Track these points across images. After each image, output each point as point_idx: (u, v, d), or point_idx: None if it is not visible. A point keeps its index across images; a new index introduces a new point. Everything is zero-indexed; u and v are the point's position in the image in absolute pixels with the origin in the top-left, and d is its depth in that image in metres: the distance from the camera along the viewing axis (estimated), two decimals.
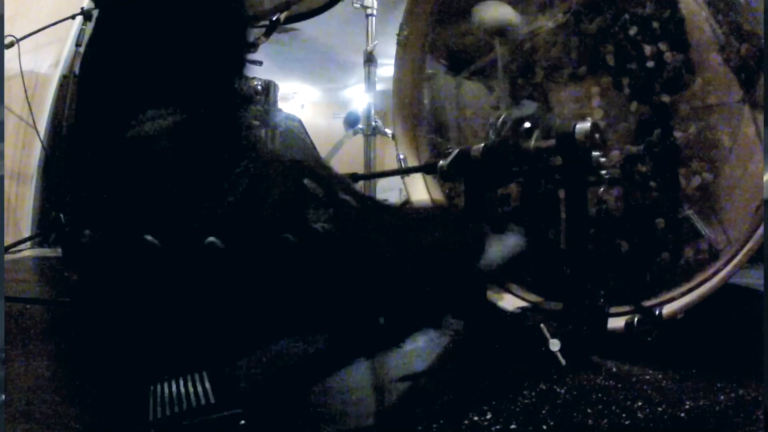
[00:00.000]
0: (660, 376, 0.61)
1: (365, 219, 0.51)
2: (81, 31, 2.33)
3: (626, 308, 0.76)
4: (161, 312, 0.47)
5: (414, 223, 0.56)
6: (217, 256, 0.44)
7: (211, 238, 0.43)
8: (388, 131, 2.50)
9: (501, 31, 0.93)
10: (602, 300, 0.73)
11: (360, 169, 3.14)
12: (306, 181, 0.49)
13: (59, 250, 1.90)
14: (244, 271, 0.45)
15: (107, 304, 0.49)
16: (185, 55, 0.47)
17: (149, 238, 0.43)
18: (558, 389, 0.57)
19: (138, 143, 0.44)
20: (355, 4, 2.40)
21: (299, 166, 0.51)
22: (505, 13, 0.92)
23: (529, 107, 0.82)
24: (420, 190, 1.20)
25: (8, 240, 1.92)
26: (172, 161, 0.44)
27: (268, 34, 1.29)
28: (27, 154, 2.26)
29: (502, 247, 0.64)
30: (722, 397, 0.55)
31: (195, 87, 0.47)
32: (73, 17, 2.09)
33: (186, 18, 0.47)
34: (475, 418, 0.49)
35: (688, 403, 0.53)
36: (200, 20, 0.48)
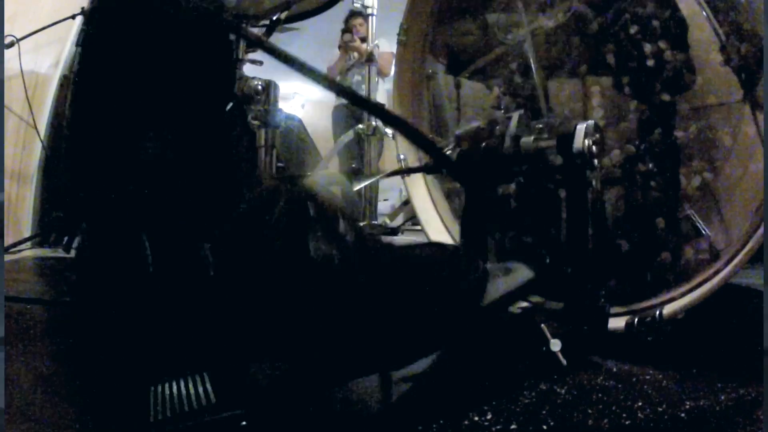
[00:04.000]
0: (660, 376, 0.61)
1: (361, 257, 0.51)
2: (81, 31, 2.33)
3: (626, 308, 0.77)
4: (156, 314, 0.47)
5: (410, 266, 0.56)
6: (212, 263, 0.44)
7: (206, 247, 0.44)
8: (389, 131, 2.50)
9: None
10: (603, 300, 0.73)
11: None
12: (308, 204, 0.49)
13: (59, 250, 1.90)
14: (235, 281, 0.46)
15: (103, 302, 0.49)
16: (179, 76, 0.46)
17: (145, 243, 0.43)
18: (558, 389, 0.57)
19: (140, 166, 0.44)
20: (355, 4, 2.41)
21: (305, 193, 0.51)
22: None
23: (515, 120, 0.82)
24: (420, 190, 1.20)
25: (8, 240, 1.92)
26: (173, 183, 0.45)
27: (268, 34, 1.29)
28: (27, 154, 2.26)
29: (502, 285, 0.64)
30: (722, 397, 0.55)
31: (188, 111, 0.47)
32: (73, 17, 2.09)
33: (174, 38, 0.47)
34: (476, 418, 0.49)
35: (688, 403, 0.53)
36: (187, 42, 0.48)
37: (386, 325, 0.51)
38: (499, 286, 0.63)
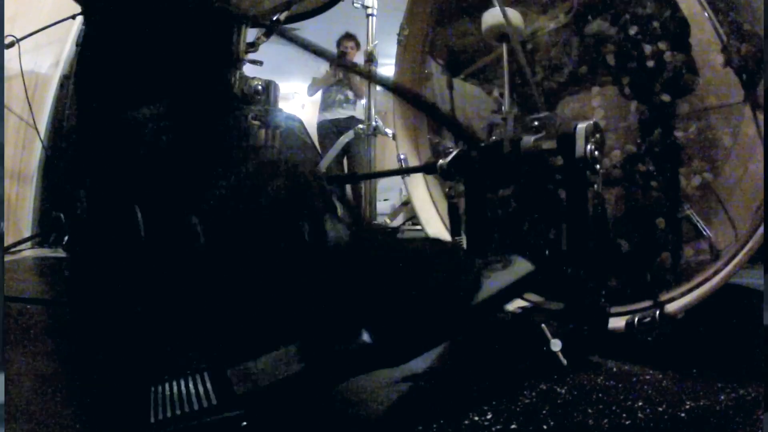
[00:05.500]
0: (660, 376, 0.61)
1: (356, 240, 0.51)
2: (81, 31, 2.33)
3: (626, 308, 0.77)
4: (151, 299, 0.46)
5: (401, 258, 0.56)
6: (198, 239, 0.44)
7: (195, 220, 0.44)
8: (389, 131, 2.50)
9: (506, 35, 0.93)
10: (603, 300, 0.73)
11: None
12: (309, 183, 0.49)
13: (59, 249, 1.90)
14: (227, 260, 0.45)
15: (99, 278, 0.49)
16: (179, 49, 0.46)
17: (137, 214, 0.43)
18: (558, 389, 0.57)
19: (136, 130, 0.44)
20: (355, 4, 2.41)
21: (302, 168, 0.51)
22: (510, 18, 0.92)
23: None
24: (420, 190, 1.20)
25: (8, 240, 1.92)
26: (169, 151, 0.45)
27: (268, 34, 1.29)
28: (27, 154, 2.26)
29: (499, 281, 0.63)
30: (722, 397, 0.55)
31: (192, 82, 0.47)
32: (73, 17, 2.09)
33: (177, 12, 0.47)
34: (476, 418, 0.49)
35: (688, 403, 0.53)
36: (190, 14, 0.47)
37: (376, 318, 0.51)
38: (495, 282, 0.63)
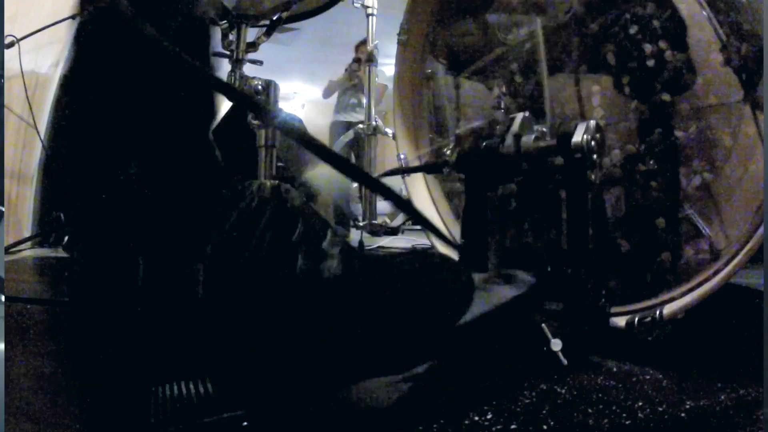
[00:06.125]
0: (660, 376, 0.61)
1: (349, 275, 0.51)
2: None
3: (626, 308, 0.77)
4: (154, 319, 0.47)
5: (392, 280, 0.57)
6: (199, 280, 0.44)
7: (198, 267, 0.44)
8: (389, 131, 2.50)
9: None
10: (603, 300, 0.73)
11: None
12: (299, 227, 0.49)
13: (59, 249, 1.90)
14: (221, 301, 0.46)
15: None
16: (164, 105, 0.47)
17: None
18: (558, 389, 0.57)
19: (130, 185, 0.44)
20: (355, 4, 2.41)
21: (295, 211, 0.51)
22: None
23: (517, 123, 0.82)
24: (421, 190, 1.20)
25: (8, 240, 1.92)
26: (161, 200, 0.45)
27: (268, 34, 1.29)
28: (27, 154, 2.26)
29: (490, 301, 0.64)
30: (722, 397, 0.55)
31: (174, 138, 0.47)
32: (73, 17, 2.09)
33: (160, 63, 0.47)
34: (476, 418, 0.49)
35: (688, 403, 0.53)
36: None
37: (366, 337, 0.51)
38: (496, 295, 0.63)
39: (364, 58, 3.51)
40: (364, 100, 3.57)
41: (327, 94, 4.04)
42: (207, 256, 0.45)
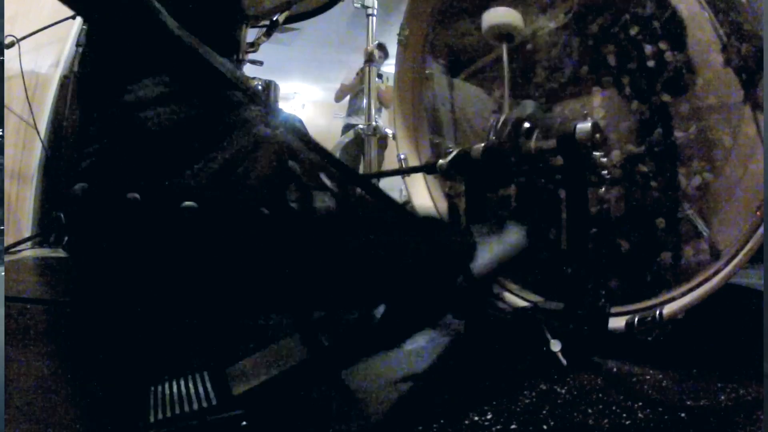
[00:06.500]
0: (660, 376, 0.61)
1: (345, 209, 0.50)
2: (81, 31, 2.33)
3: (626, 308, 0.77)
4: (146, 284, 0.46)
5: (401, 219, 0.55)
6: (192, 218, 0.43)
7: (188, 203, 0.43)
8: (389, 131, 2.50)
9: (508, 35, 0.94)
10: (603, 300, 0.73)
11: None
12: (291, 163, 0.49)
13: (59, 249, 1.90)
14: (217, 240, 0.45)
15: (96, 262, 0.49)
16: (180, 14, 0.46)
17: (134, 195, 0.43)
18: (558, 389, 0.57)
19: (128, 108, 0.44)
20: (355, 4, 2.41)
21: (287, 147, 0.50)
22: (512, 19, 0.92)
23: (528, 107, 0.82)
24: (420, 190, 1.20)
25: (8, 240, 1.92)
26: (159, 127, 0.44)
27: (268, 34, 1.29)
28: (27, 154, 2.26)
29: (500, 246, 0.64)
30: (722, 397, 0.55)
31: (187, 57, 0.46)
32: (73, 17, 2.09)
33: None
34: (476, 418, 0.49)
35: (688, 403, 0.53)
36: None
37: (371, 289, 0.51)
38: (488, 254, 0.63)
39: (378, 62, 3.52)
40: (377, 104, 3.58)
41: (339, 97, 4.05)
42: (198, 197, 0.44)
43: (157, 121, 0.44)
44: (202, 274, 0.46)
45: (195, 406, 0.45)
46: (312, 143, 0.50)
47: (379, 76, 3.37)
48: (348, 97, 3.94)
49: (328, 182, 0.50)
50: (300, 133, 0.51)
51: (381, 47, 3.50)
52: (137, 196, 0.43)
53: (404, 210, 0.58)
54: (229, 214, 0.45)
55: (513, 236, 0.66)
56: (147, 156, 0.45)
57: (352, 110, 3.85)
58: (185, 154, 0.45)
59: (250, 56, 1.28)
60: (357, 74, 3.75)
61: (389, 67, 2.37)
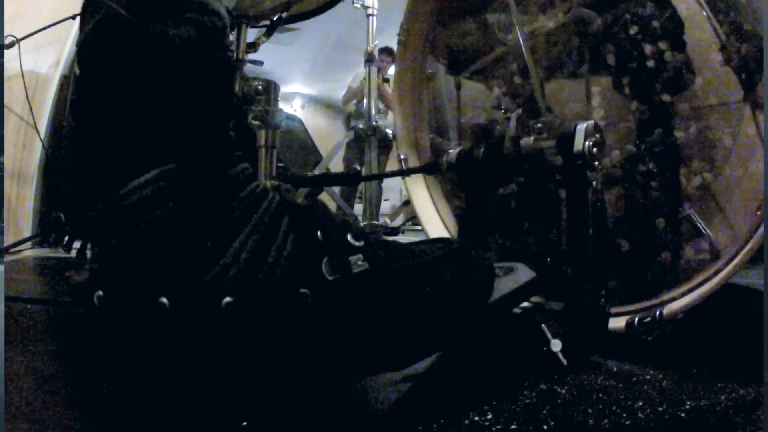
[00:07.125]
0: (660, 376, 0.61)
1: (377, 267, 0.50)
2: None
3: (626, 308, 0.77)
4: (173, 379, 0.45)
5: (422, 269, 0.56)
6: (234, 316, 0.43)
7: (228, 299, 0.42)
8: (389, 131, 2.51)
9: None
10: (603, 300, 0.73)
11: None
12: (319, 233, 0.49)
13: (59, 250, 1.90)
14: (261, 329, 0.45)
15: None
16: (177, 107, 0.45)
17: (163, 300, 0.41)
18: (558, 389, 0.57)
19: (137, 206, 0.42)
20: (355, 4, 2.41)
21: (311, 216, 0.50)
22: None
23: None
24: (420, 190, 1.20)
25: (8, 240, 1.92)
26: (176, 222, 0.43)
27: (268, 34, 1.29)
28: (27, 154, 2.26)
29: (508, 283, 0.64)
30: (722, 397, 0.55)
31: (191, 139, 0.45)
32: (73, 17, 2.09)
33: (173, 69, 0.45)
34: (476, 418, 0.49)
35: (688, 403, 0.53)
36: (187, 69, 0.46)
37: (394, 324, 0.51)
38: (504, 284, 0.63)
39: (384, 66, 3.51)
40: (383, 107, 3.58)
41: (346, 101, 4.05)
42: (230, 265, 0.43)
43: (166, 218, 0.43)
44: (249, 369, 0.46)
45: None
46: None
47: (386, 80, 3.36)
48: (355, 101, 3.95)
49: (354, 242, 0.50)
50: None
51: (389, 52, 3.49)
52: (165, 301, 0.42)
53: (426, 249, 0.59)
54: (269, 303, 0.45)
55: (521, 273, 0.66)
56: (168, 255, 0.43)
57: (357, 114, 3.86)
58: (209, 248, 0.44)
59: (250, 56, 1.28)
60: (364, 79, 3.77)
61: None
